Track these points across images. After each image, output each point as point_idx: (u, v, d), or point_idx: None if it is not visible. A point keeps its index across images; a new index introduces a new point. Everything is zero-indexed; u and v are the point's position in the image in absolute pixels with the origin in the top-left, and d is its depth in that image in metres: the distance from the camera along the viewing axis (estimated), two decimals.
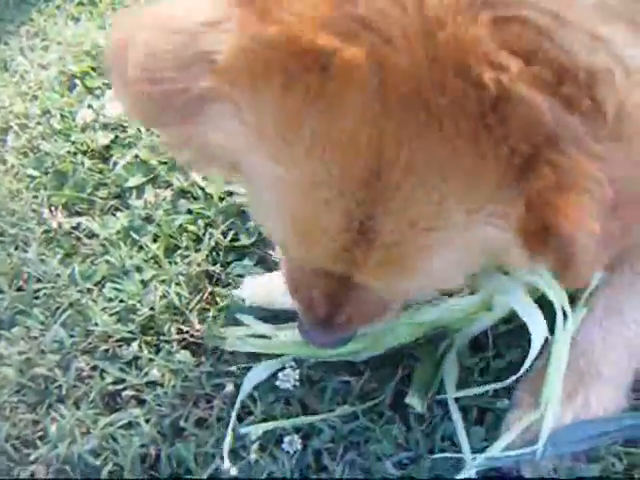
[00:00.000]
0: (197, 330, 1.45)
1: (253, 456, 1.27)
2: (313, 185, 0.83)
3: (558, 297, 1.23)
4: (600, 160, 0.77)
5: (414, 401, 1.29)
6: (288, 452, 1.27)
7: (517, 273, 1.23)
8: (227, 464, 1.26)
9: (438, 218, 0.82)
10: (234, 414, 1.30)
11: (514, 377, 1.24)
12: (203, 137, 0.88)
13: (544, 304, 1.25)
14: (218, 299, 1.50)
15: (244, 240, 1.57)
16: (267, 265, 1.53)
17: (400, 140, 0.78)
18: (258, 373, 1.36)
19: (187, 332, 1.45)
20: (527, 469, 1.23)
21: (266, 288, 1.44)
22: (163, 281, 1.52)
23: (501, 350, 1.36)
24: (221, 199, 1.63)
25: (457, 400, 1.29)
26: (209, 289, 1.51)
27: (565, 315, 1.22)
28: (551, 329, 1.23)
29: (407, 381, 1.34)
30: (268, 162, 0.84)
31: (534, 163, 0.77)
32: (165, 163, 1.72)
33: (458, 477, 1.21)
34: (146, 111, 0.90)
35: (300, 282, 1.08)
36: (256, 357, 1.39)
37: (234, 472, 1.26)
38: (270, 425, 1.30)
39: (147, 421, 1.34)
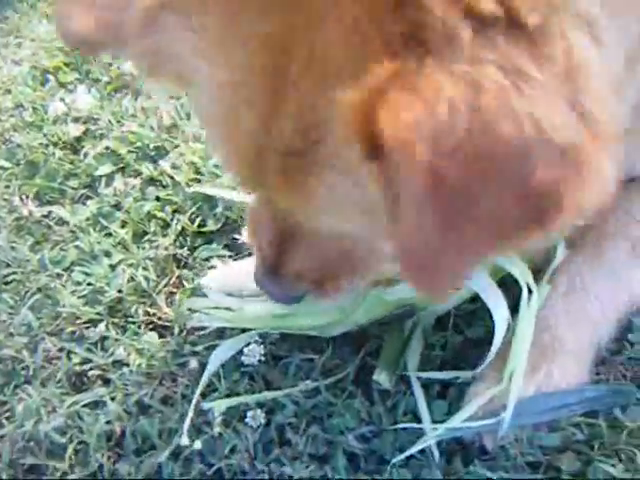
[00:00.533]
0: (164, 312, 1.46)
1: (217, 430, 1.28)
2: (232, 84, 0.81)
3: (522, 274, 1.24)
4: (460, 82, 0.65)
5: (382, 378, 1.30)
6: (252, 427, 1.28)
7: None
8: (185, 439, 1.26)
9: (325, 130, 0.76)
10: (198, 390, 1.31)
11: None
12: (157, 47, 0.87)
13: (509, 281, 1.25)
14: (185, 282, 1.51)
15: (211, 226, 1.59)
16: (234, 250, 1.55)
17: (302, 33, 0.74)
18: (224, 351, 1.37)
19: (154, 314, 1.47)
20: (489, 440, 1.24)
21: (234, 275, 1.45)
22: (131, 265, 1.53)
23: (461, 327, 1.38)
24: (189, 185, 1.64)
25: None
26: (176, 273, 1.53)
27: (530, 291, 1.23)
28: (516, 306, 1.24)
29: (370, 358, 1.35)
30: (205, 64, 0.84)
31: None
32: (135, 152, 1.74)
33: (418, 447, 1.22)
34: (106, 29, 0.88)
35: (253, 227, 1.09)
36: (221, 337, 1.40)
37: (198, 446, 1.26)
38: (234, 401, 1.30)
39: (113, 399, 1.35)
